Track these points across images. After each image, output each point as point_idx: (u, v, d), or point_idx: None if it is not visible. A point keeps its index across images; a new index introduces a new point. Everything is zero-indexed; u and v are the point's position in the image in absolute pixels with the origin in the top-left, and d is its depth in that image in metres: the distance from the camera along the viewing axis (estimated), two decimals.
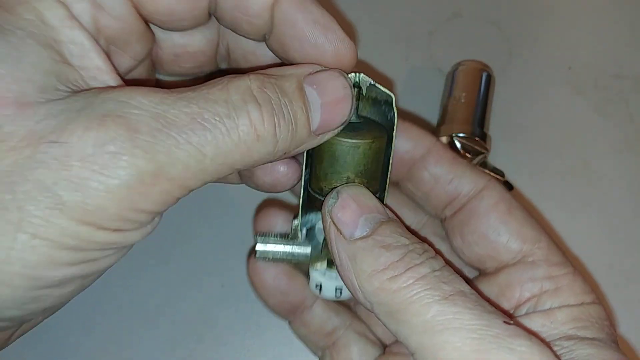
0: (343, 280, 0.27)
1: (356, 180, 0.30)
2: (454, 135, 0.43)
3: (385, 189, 0.31)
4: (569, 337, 0.27)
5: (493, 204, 0.31)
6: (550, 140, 0.47)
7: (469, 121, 0.44)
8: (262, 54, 0.32)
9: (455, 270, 0.26)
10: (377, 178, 0.31)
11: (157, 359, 0.41)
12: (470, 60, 0.47)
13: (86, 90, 0.24)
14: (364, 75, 0.29)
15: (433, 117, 0.46)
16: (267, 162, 0.26)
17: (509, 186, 0.45)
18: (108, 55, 0.27)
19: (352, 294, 0.27)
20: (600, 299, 0.29)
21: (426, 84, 0.49)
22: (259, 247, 0.32)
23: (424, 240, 0.27)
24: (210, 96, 0.24)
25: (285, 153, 0.26)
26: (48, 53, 0.24)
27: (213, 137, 0.24)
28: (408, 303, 0.24)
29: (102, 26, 0.26)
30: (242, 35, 0.29)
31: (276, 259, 0.32)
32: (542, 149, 0.47)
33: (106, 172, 0.22)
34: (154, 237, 0.26)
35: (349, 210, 0.27)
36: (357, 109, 0.30)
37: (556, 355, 0.23)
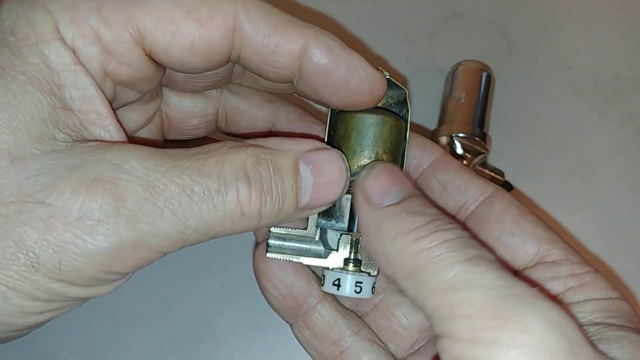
0: (367, 249, 0.27)
1: (384, 157, 0.30)
2: (454, 135, 0.43)
3: None
4: (597, 324, 0.26)
5: (503, 209, 0.30)
6: (550, 140, 0.47)
7: (469, 121, 0.44)
8: (258, 119, 0.34)
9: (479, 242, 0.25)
10: (398, 160, 0.31)
11: (157, 359, 0.41)
12: (470, 60, 0.47)
13: (85, 141, 0.25)
14: (381, 69, 0.29)
15: (433, 117, 0.46)
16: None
17: (508, 186, 0.45)
18: (114, 99, 0.27)
19: (376, 262, 0.27)
20: (627, 298, 0.28)
21: (426, 84, 0.49)
22: (272, 242, 0.31)
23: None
24: (204, 168, 0.25)
25: (267, 225, 0.27)
26: (48, 100, 0.24)
27: (199, 211, 0.24)
28: (429, 263, 0.23)
29: (111, 71, 0.26)
30: (268, 80, 0.29)
31: (289, 253, 0.31)
32: (542, 149, 0.47)
33: (87, 238, 0.23)
34: None
35: (380, 179, 0.28)
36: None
37: (579, 324, 0.22)
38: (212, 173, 0.25)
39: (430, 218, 0.25)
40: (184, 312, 0.42)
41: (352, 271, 0.31)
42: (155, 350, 0.41)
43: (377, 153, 0.30)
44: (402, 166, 0.31)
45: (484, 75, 0.46)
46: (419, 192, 0.28)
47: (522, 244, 0.30)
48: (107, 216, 0.23)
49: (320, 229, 0.32)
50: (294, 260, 0.31)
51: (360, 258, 0.31)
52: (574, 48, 0.51)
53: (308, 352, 0.34)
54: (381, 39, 0.51)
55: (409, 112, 0.31)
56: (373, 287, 0.32)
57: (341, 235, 0.31)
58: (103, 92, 0.26)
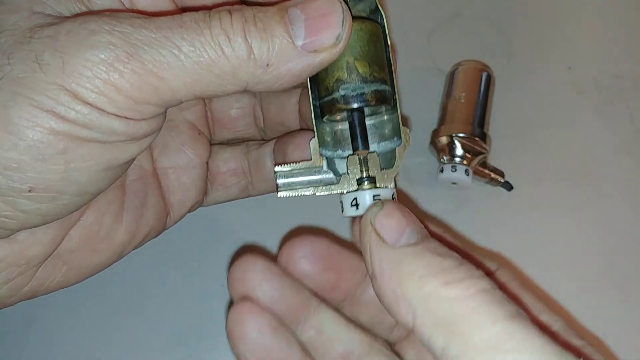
0: (378, 291, 0.24)
1: (356, 64, 0.29)
2: (454, 135, 0.43)
3: (394, 87, 0.30)
4: None
5: (503, 284, 0.29)
6: (550, 141, 0.47)
7: (468, 121, 0.44)
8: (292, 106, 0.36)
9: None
10: (383, 65, 0.30)
11: (157, 359, 0.41)
12: (470, 60, 0.47)
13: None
14: None
15: (433, 117, 0.46)
16: (258, 84, 0.27)
17: (508, 186, 0.45)
18: None
19: (389, 307, 0.24)
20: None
21: (426, 84, 0.49)
22: (280, 181, 0.30)
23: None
24: (192, 12, 0.27)
25: (275, 70, 0.27)
26: None
27: (188, 35, 0.25)
28: (468, 315, 0.21)
29: None
30: None
31: (301, 188, 0.30)
32: (542, 149, 0.47)
33: (85, 42, 0.25)
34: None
35: (394, 218, 0.26)
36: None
37: None
38: (198, 12, 0.26)
39: (458, 262, 0.23)
40: (184, 312, 0.42)
41: (369, 189, 0.30)
42: (155, 350, 0.41)
43: (347, 63, 0.28)
44: (390, 73, 0.30)
45: (484, 75, 0.46)
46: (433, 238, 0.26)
47: None
48: (102, 28, 0.25)
49: (327, 159, 0.31)
50: (307, 193, 0.30)
51: (373, 174, 0.30)
52: (573, 48, 0.51)
53: None
54: None
55: (383, 17, 0.30)
56: (393, 197, 0.30)
57: (348, 157, 0.31)
58: None
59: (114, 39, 0.25)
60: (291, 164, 0.31)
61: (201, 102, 0.38)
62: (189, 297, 0.42)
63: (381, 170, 0.31)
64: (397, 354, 0.32)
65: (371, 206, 0.27)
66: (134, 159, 0.29)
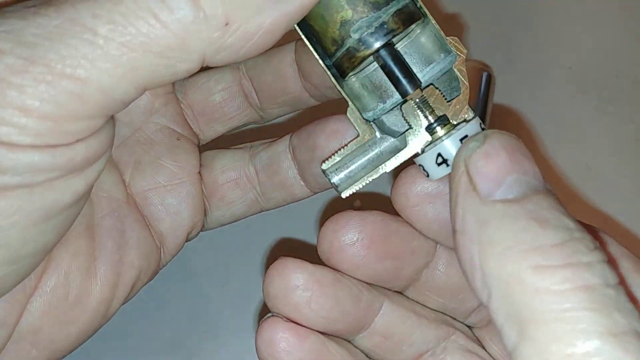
0: (456, 251, 0.19)
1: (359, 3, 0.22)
2: None
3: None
4: None
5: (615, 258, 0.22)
6: (550, 140, 0.47)
7: None
8: (288, 77, 0.29)
9: (630, 298, 0.17)
10: None
11: (157, 359, 0.40)
12: (470, 60, 0.46)
13: None
14: None
15: None
16: (220, 53, 0.20)
17: None
18: None
19: (463, 273, 0.19)
20: None
21: None
22: (335, 179, 0.24)
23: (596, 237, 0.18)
24: None
25: (239, 28, 0.19)
26: None
27: (101, 9, 0.19)
28: (554, 319, 0.16)
29: None
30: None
31: (365, 174, 0.24)
32: (543, 149, 0.47)
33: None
34: None
35: (496, 161, 0.19)
36: None
37: None
38: None
39: (565, 236, 0.17)
40: (184, 312, 0.41)
41: (446, 134, 0.23)
42: (155, 350, 0.41)
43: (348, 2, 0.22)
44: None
45: (484, 75, 0.46)
46: (549, 189, 0.20)
47: None
48: None
49: (375, 124, 0.24)
50: (375, 176, 0.24)
51: (441, 114, 0.24)
52: (574, 48, 0.51)
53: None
54: None
55: None
56: (482, 127, 0.24)
57: (400, 107, 0.24)
58: None
59: (0, 43, 0.18)
60: (337, 152, 0.24)
61: (171, 97, 0.30)
62: (189, 297, 0.42)
63: (448, 102, 0.24)
64: (479, 341, 0.27)
65: (468, 140, 0.21)
66: (86, 195, 0.23)
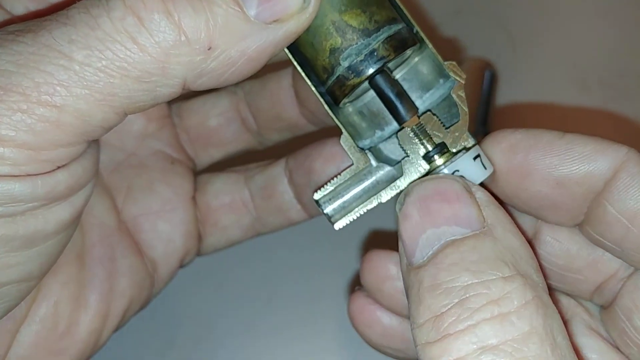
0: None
1: (346, 18, 0.21)
2: None
3: (408, 18, 0.23)
4: None
5: None
6: None
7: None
8: (286, 102, 0.28)
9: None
10: (385, 5, 0.22)
11: (157, 359, 0.40)
12: (473, 58, 0.46)
13: None
14: None
15: None
16: (202, 77, 0.19)
17: None
18: None
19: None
20: None
21: None
22: (328, 209, 0.23)
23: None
24: None
25: (222, 53, 0.19)
26: None
27: (77, 34, 0.18)
28: None
29: None
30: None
31: (360, 204, 0.23)
32: None
33: None
34: None
35: (409, 222, 0.19)
36: None
37: None
38: None
39: (449, 300, 0.17)
40: (184, 312, 0.41)
41: (445, 163, 0.23)
42: (154, 350, 0.40)
43: (334, 23, 0.21)
44: (393, 1, 0.23)
45: (487, 72, 0.45)
46: (477, 225, 0.19)
47: None
48: None
49: (371, 151, 0.24)
50: (370, 207, 0.23)
51: (439, 141, 0.23)
52: (578, 45, 0.51)
53: None
54: None
55: None
56: (478, 157, 0.23)
57: (397, 135, 0.23)
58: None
59: None
60: (330, 181, 0.23)
61: (166, 121, 0.30)
62: (189, 297, 0.42)
63: (446, 129, 0.23)
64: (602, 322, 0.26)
65: (401, 195, 0.20)
66: (74, 222, 0.22)
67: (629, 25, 0.52)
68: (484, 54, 0.47)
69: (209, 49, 0.19)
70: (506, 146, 0.23)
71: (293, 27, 0.19)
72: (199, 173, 0.31)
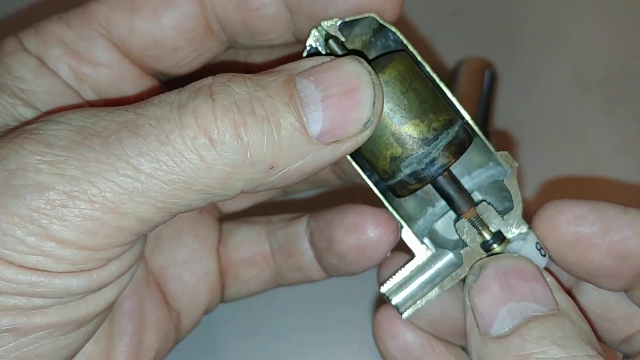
0: None
1: (406, 129, 0.21)
2: None
3: (460, 112, 0.24)
4: None
5: None
6: (554, 139, 0.47)
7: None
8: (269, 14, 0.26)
9: None
10: (437, 101, 0.23)
11: None
12: (473, 58, 0.46)
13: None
14: (326, 21, 0.23)
15: None
16: (257, 188, 0.20)
17: None
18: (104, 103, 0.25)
19: None
20: None
21: None
22: (396, 300, 0.24)
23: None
24: (156, 99, 0.20)
25: (282, 171, 0.20)
26: (11, 102, 0.22)
27: (147, 147, 0.19)
28: None
29: (84, 73, 0.24)
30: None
31: (424, 294, 0.24)
32: (547, 148, 0.47)
33: (4, 190, 0.19)
34: None
35: (488, 294, 0.20)
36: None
37: None
38: (164, 101, 0.19)
39: None
40: None
41: (500, 250, 0.23)
42: None
43: (394, 135, 0.21)
44: (446, 97, 0.24)
45: (487, 73, 0.45)
46: (554, 305, 0.20)
47: None
48: (24, 164, 0.19)
49: (429, 237, 0.25)
50: (434, 295, 0.24)
51: (496, 229, 0.24)
52: (579, 46, 0.51)
53: None
54: None
55: (397, 33, 0.24)
56: (539, 246, 0.24)
57: (455, 225, 0.24)
58: (78, 92, 0.24)
59: (43, 176, 0.18)
60: (395, 275, 0.24)
61: None
62: None
63: (501, 217, 0.24)
64: None
65: (470, 271, 0.21)
66: (118, 298, 0.23)
67: (629, 26, 0.52)
68: (484, 54, 0.47)
69: (271, 168, 0.19)
70: (571, 218, 0.24)
71: (351, 147, 0.20)
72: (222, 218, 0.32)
